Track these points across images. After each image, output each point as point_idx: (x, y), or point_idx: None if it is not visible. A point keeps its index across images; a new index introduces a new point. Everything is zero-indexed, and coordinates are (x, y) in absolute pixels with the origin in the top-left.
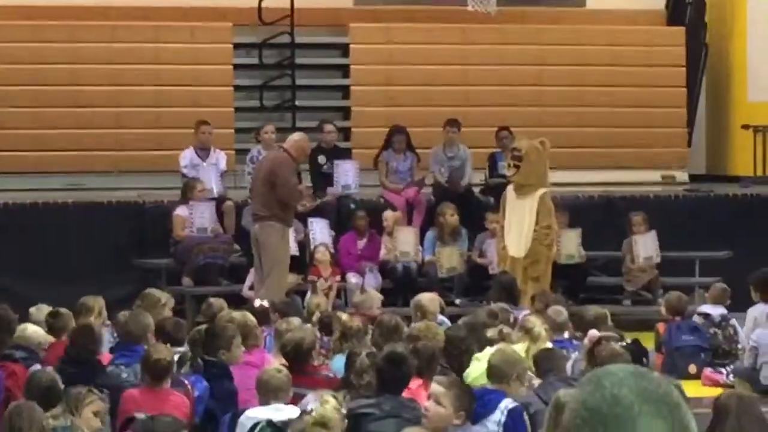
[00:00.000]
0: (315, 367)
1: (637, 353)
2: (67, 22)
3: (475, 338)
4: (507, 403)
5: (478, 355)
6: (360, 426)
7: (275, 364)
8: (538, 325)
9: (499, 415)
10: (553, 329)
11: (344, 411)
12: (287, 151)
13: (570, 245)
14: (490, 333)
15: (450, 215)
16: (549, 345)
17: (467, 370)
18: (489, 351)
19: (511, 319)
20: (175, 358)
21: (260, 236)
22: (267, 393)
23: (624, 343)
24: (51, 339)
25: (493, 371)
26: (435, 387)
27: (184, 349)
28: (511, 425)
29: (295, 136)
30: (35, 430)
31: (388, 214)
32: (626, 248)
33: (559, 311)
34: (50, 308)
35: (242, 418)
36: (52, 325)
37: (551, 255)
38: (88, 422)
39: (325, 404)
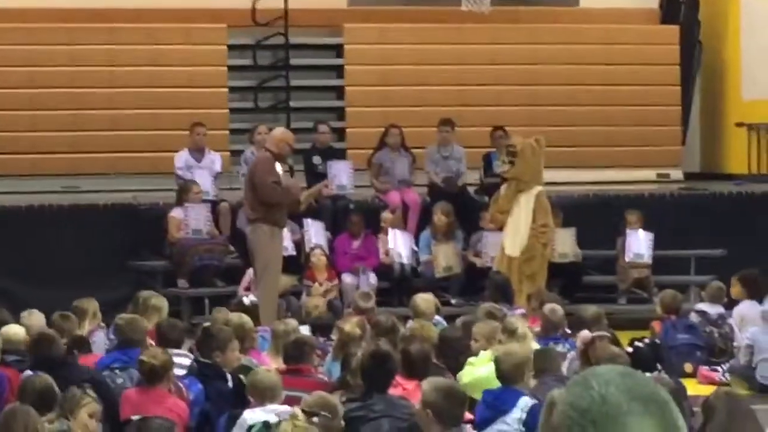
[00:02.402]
0: (310, 370)
1: (653, 354)
2: (62, 25)
3: (471, 338)
4: (526, 401)
5: (471, 359)
6: (354, 429)
7: (272, 365)
8: (521, 325)
9: (519, 413)
10: (549, 328)
11: (341, 411)
12: (269, 150)
13: (564, 244)
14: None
15: (442, 215)
16: (535, 344)
17: (459, 374)
18: (483, 355)
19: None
20: (185, 361)
21: (250, 239)
22: (261, 393)
23: (641, 344)
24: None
25: (504, 374)
26: (422, 388)
27: (183, 351)
28: (531, 423)
29: (275, 132)
30: None
31: (386, 216)
32: (620, 247)
33: (555, 309)
34: (40, 313)
35: (240, 420)
36: (60, 326)
37: (546, 253)
38: (84, 425)
39: (294, 420)
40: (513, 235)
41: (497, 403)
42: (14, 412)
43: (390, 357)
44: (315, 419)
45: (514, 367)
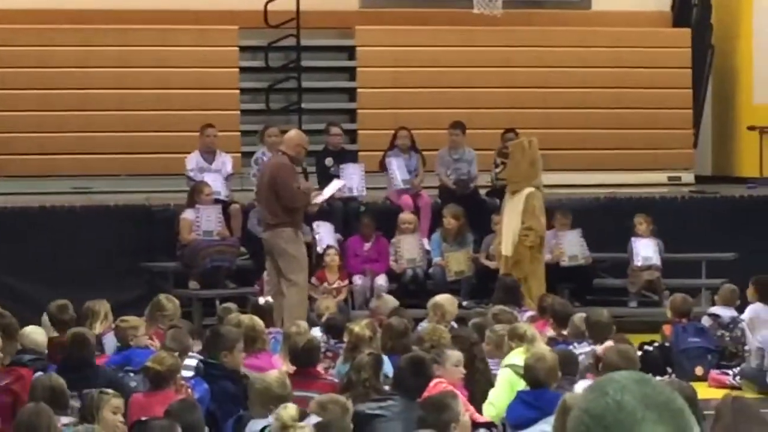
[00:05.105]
0: (319, 372)
1: (663, 358)
2: (73, 26)
3: (482, 340)
4: None
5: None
6: (368, 427)
7: (282, 367)
8: (528, 328)
9: None
10: (575, 335)
11: (351, 412)
12: (285, 153)
13: (572, 247)
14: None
15: (452, 219)
16: (544, 345)
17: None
18: (506, 375)
19: (520, 320)
20: (192, 362)
21: (273, 244)
22: (269, 401)
23: (651, 347)
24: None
25: (538, 379)
26: None
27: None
28: None
29: (291, 134)
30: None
31: (407, 217)
32: (630, 250)
33: (582, 318)
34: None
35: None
36: (59, 319)
37: (539, 257)
38: (109, 423)
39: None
40: (506, 236)
41: (540, 404)
42: (37, 411)
43: (428, 365)
44: (302, 423)
45: (547, 372)
